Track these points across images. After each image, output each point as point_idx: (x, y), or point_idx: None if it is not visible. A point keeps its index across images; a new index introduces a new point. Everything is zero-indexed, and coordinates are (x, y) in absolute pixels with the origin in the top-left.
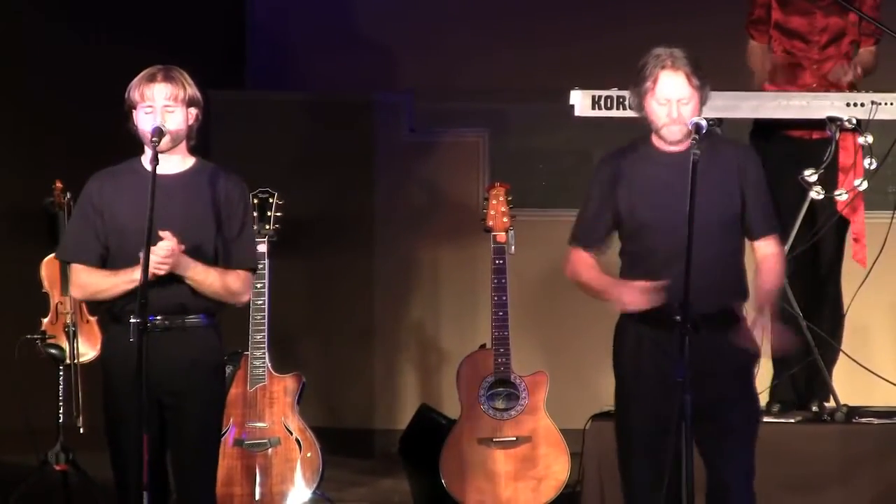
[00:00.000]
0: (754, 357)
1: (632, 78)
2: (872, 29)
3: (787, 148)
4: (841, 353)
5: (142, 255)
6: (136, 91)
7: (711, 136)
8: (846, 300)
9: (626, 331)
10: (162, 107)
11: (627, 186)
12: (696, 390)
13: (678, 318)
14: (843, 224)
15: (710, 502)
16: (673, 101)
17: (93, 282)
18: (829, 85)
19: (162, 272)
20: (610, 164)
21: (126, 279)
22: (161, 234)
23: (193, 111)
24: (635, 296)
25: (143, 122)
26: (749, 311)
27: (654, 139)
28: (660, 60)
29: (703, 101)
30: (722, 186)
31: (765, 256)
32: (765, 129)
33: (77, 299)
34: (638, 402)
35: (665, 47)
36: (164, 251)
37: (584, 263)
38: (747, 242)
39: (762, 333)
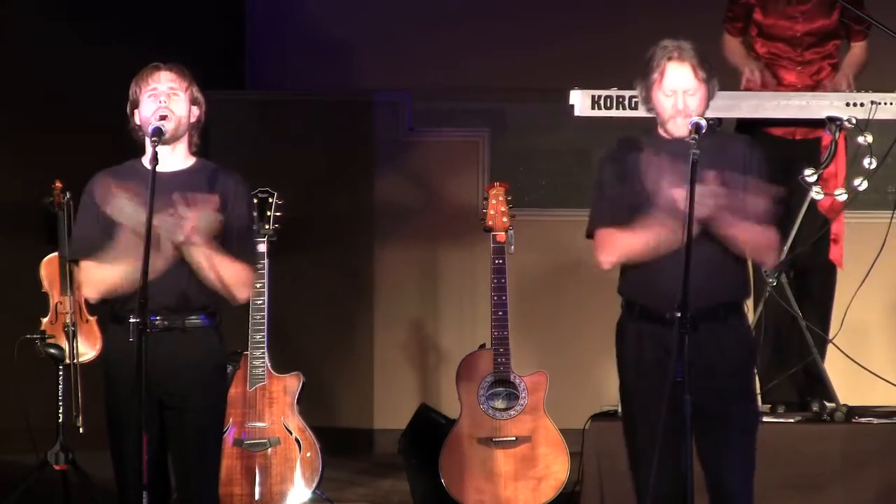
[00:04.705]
0: (754, 355)
1: (639, 70)
2: (861, 27)
3: (770, 147)
4: (840, 353)
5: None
6: (140, 79)
7: (717, 133)
8: (846, 300)
9: (627, 328)
10: (167, 89)
11: (632, 176)
12: (697, 389)
13: (678, 314)
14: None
15: (710, 501)
16: (679, 93)
17: (107, 276)
18: (814, 85)
19: (184, 233)
20: (616, 155)
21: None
22: (174, 197)
23: (196, 110)
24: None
25: (147, 107)
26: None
27: (660, 131)
28: (666, 52)
29: (709, 95)
30: (728, 184)
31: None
32: (748, 128)
33: (93, 299)
34: (640, 398)
35: (672, 39)
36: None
37: (614, 233)
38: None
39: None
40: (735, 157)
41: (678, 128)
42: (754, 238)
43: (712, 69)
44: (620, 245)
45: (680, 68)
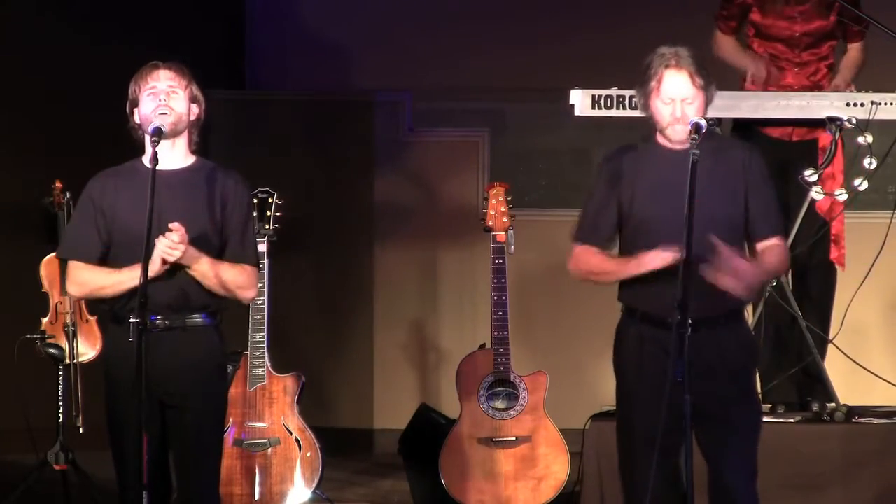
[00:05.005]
0: (755, 358)
1: (637, 77)
2: (859, 27)
3: (767, 148)
4: (840, 354)
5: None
6: (139, 77)
7: (716, 136)
8: (846, 300)
9: (628, 330)
10: (167, 87)
11: (631, 184)
12: (698, 391)
13: (678, 316)
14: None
15: (711, 501)
16: (677, 101)
17: (93, 279)
18: (812, 86)
19: (172, 259)
20: (614, 161)
21: (132, 276)
22: (171, 225)
23: (196, 108)
24: (657, 257)
25: (147, 105)
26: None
27: (659, 137)
28: (664, 59)
29: (707, 101)
30: (727, 186)
31: (767, 247)
32: (745, 128)
33: (74, 297)
34: (639, 402)
35: (670, 46)
36: (176, 237)
37: (588, 253)
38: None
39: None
40: (735, 161)
41: (677, 133)
42: (770, 270)
43: (710, 75)
44: (587, 267)
45: (677, 76)
